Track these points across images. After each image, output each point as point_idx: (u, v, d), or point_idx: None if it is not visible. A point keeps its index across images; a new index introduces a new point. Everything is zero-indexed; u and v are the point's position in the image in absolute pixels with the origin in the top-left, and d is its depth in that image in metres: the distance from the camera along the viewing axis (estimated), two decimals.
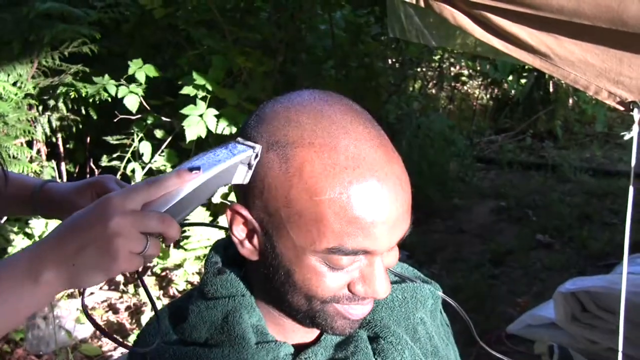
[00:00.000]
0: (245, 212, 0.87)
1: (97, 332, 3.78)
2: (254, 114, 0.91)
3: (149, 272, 4.15)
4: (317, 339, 0.97)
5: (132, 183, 1.20)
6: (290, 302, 0.89)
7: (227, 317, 0.91)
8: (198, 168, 0.85)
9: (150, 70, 4.05)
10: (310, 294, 0.86)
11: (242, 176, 0.86)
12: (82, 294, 0.89)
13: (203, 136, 3.98)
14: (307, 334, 0.98)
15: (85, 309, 0.88)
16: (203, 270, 1.00)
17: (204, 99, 3.98)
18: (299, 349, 0.95)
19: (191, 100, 3.98)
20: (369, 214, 0.80)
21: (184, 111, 3.93)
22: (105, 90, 4.00)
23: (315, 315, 0.89)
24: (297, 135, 0.82)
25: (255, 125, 0.87)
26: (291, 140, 0.82)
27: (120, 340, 0.93)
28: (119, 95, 4.00)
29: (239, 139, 0.88)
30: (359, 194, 0.80)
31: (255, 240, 0.88)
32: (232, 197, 3.93)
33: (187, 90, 3.98)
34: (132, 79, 4.06)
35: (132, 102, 4.03)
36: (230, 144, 0.88)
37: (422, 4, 1.96)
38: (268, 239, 0.86)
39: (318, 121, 0.83)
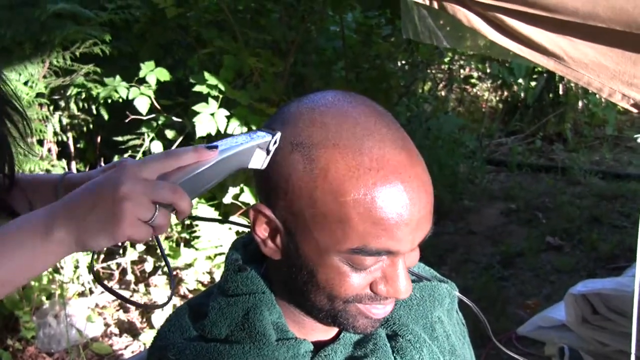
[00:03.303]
0: (268, 212, 0.88)
1: (108, 332, 3.80)
2: (277, 114, 0.91)
3: (159, 272, 4.16)
4: (337, 337, 0.98)
5: None
6: (312, 301, 0.89)
7: (248, 314, 0.92)
8: (216, 147, 0.86)
9: (162, 74, 4.05)
10: (333, 293, 0.87)
11: (259, 161, 0.86)
12: (92, 257, 0.92)
13: (213, 133, 3.99)
14: (327, 332, 0.99)
15: (94, 274, 0.89)
16: (223, 267, 1.01)
17: (215, 98, 3.99)
18: (319, 346, 0.96)
19: (203, 99, 3.99)
20: (393, 216, 0.81)
21: (196, 108, 3.93)
22: (116, 91, 4.02)
23: (337, 314, 0.89)
24: (321, 136, 0.83)
25: (278, 126, 0.88)
26: (316, 141, 0.83)
27: (129, 298, 0.94)
28: (130, 97, 4.01)
29: (262, 128, 0.89)
30: (383, 195, 0.80)
31: (278, 239, 0.89)
32: (244, 197, 3.94)
33: (200, 88, 3.99)
34: (142, 80, 4.07)
35: (143, 103, 4.03)
36: (251, 131, 0.89)
37: (435, 5, 1.96)
38: (291, 238, 0.87)
39: (342, 122, 0.84)
